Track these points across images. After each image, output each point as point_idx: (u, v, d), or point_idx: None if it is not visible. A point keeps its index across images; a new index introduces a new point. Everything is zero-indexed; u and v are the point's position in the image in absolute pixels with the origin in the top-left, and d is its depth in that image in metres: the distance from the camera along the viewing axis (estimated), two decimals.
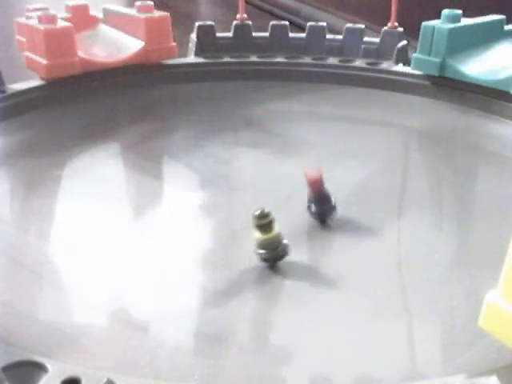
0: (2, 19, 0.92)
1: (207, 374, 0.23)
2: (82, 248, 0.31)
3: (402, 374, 0.23)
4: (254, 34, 0.60)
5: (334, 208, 0.33)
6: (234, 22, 0.59)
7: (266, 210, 0.28)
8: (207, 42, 0.59)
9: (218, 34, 0.60)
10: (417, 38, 0.52)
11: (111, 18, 0.57)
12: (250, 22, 0.59)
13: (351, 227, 0.34)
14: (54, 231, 0.34)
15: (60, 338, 0.25)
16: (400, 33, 0.57)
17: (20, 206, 0.36)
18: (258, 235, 0.29)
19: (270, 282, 0.29)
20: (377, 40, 0.57)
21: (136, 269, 0.30)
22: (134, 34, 0.54)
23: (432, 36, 0.50)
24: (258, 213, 0.28)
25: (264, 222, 0.28)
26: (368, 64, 0.56)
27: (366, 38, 0.58)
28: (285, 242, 0.29)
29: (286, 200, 0.38)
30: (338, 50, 0.59)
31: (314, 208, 0.33)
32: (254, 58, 0.59)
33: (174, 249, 0.32)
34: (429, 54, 0.51)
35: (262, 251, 0.29)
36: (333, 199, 0.33)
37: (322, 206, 0.33)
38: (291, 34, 0.60)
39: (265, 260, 0.29)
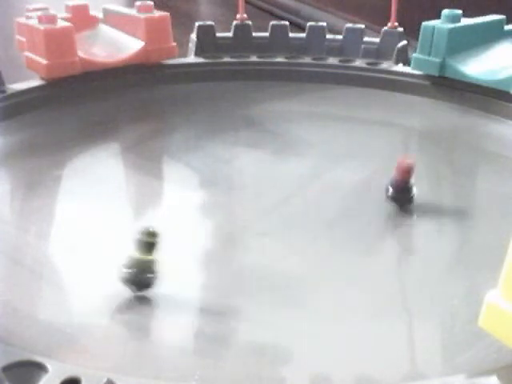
0: (2, 19, 0.92)
1: (207, 374, 0.23)
2: (82, 248, 0.31)
3: (401, 374, 0.23)
4: (254, 34, 0.60)
5: (411, 199, 0.34)
6: (234, 22, 0.59)
7: (153, 230, 0.26)
8: (207, 41, 0.59)
9: (218, 34, 0.60)
10: (417, 38, 0.52)
11: (111, 18, 0.57)
12: (250, 22, 0.59)
13: (351, 227, 0.34)
14: (54, 231, 0.34)
15: (60, 338, 0.25)
16: (400, 33, 0.57)
17: (20, 206, 0.36)
18: (132, 253, 0.26)
19: (270, 282, 0.29)
20: (377, 40, 0.57)
21: None
22: (134, 34, 0.54)
23: (432, 36, 0.50)
24: (145, 229, 0.26)
25: (149, 241, 0.26)
26: (368, 64, 0.56)
27: (366, 38, 0.58)
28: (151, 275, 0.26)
29: (286, 200, 0.38)
30: (338, 49, 0.59)
31: (391, 193, 0.34)
32: (254, 58, 0.59)
33: (173, 249, 0.32)
34: (429, 54, 0.51)
35: (128, 270, 0.26)
36: (414, 191, 0.34)
37: (403, 194, 0.34)
38: (291, 34, 0.60)
39: (127, 281, 0.26)
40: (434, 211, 0.36)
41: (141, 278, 0.26)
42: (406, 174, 0.33)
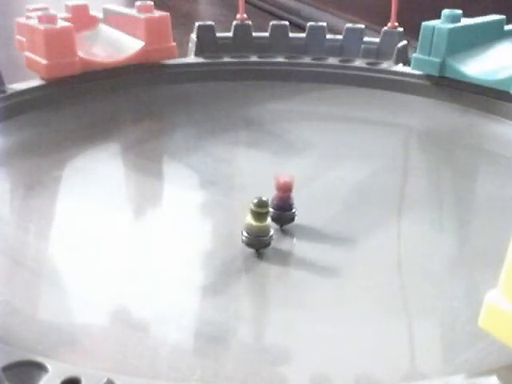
0: (2, 19, 0.92)
1: (207, 374, 0.23)
2: (82, 248, 0.31)
3: (401, 374, 0.23)
4: (254, 34, 0.60)
5: (292, 219, 0.32)
6: (234, 22, 0.59)
7: (264, 199, 0.29)
8: (207, 41, 0.59)
9: (218, 34, 0.60)
10: (417, 38, 0.52)
11: (111, 18, 0.57)
12: (250, 22, 0.59)
13: (351, 227, 0.34)
14: (54, 231, 0.34)
15: (60, 338, 0.25)
16: (400, 33, 0.57)
17: (20, 205, 0.36)
18: (250, 221, 0.29)
19: (270, 282, 0.29)
20: (377, 40, 0.57)
21: (136, 269, 0.30)
22: (134, 34, 0.54)
23: (432, 36, 0.50)
24: (256, 201, 0.29)
25: (261, 211, 0.29)
26: (368, 64, 0.56)
27: (366, 38, 0.58)
28: (271, 233, 0.30)
29: None
30: (338, 49, 0.59)
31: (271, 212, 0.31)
32: (254, 58, 0.59)
33: (173, 249, 0.32)
34: (429, 54, 0.51)
35: (248, 236, 0.30)
36: (294, 210, 0.32)
37: (282, 212, 0.32)
38: (291, 34, 0.60)
39: (249, 245, 0.30)
40: (434, 211, 0.36)
41: (262, 240, 0.30)
42: (286, 189, 0.31)
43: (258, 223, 0.29)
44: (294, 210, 0.32)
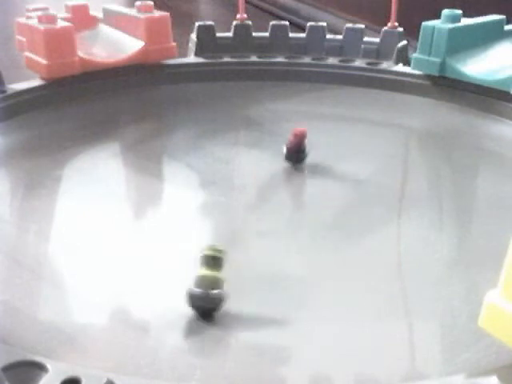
0: (2, 19, 0.92)
1: (207, 374, 0.23)
2: (82, 248, 0.31)
3: (402, 374, 0.23)
4: (254, 34, 0.60)
5: (304, 157, 0.40)
6: (234, 22, 0.59)
7: (220, 247, 0.26)
8: (207, 41, 0.59)
9: (218, 34, 0.60)
10: (417, 38, 0.52)
11: (111, 18, 0.57)
12: (250, 22, 0.59)
13: (351, 227, 0.34)
14: (54, 231, 0.34)
15: (60, 338, 0.25)
16: (400, 33, 0.57)
17: (20, 205, 0.36)
18: (202, 271, 0.26)
19: (270, 281, 0.29)
20: (377, 40, 0.57)
21: (136, 269, 0.30)
22: (134, 34, 0.54)
23: (432, 36, 0.50)
24: (210, 246, 0.26)
25: (216, 255, 0.26)
26: (368, 64, 0.56)
27: (366, 38, 0.58)
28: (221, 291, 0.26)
29: (286, 199, 0.38)
30: (338, 49, 0.59)
31: (288, 155, 0.39)
32: (254, 58, 0.59)
33: (174, 249, 0.32)
34: (429, 54, 0.51)
35: (197, 290, 0.25)
36: (306, 151, 0.39)
37: (298, 154, 0.39)
38: (291, 34, 0.60)
39: (197, 301, 0.26)
40: (434, 211, 0.36)
41: (212, 297, 0.25)
42: (300, 138, 0.39)
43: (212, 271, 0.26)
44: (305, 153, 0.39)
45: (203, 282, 0.25)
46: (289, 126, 0.47)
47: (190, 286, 0.26)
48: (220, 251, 0.26)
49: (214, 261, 0.26)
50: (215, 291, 0.25)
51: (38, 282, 0.29)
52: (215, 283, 0.26)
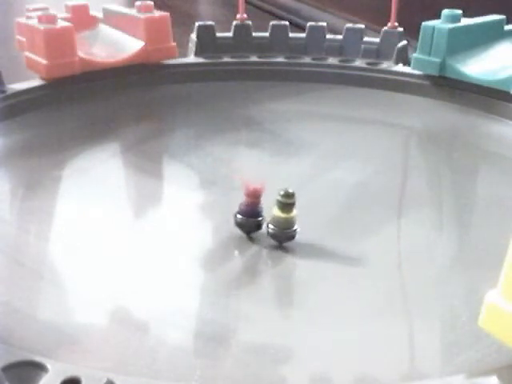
0: (2, 19, 0.92)
1: (207, 374, 0.23)
2: (82, 248, 0.31)
3: (402, 374, 0.23)
4: (254, 34, 0.60)
5: (259, 227, 0.31)
6: (234, 22, 0.59)
7: (291, 191, 0.29)
8: (207, 41, 0.59)
9: (218, 34, 0.60)
10: (417, 38, 0.52)
11: (111, 18, 0.57)
12: (249, 22, 0.59)
13: (351, 227, 0.34)
14: (54, 231, 0.34)
15: (60, 338, 0.25)
16: (400, 33, 0.57)
17: (20, 206, 0.36)
18: (276, 212, 0.30)
19: (270, 282, 0.29)
20: (377, 40, 0.57)
21: (136, 269, 0.30)
22: (134, 34, 0.54)
23: (432, 36, 0.50)
24: (283, 192, 0.29)
25: (287, 202, 0.29)
26: (368, 64, 0.56)
27: (366, 38, 0.58)
28: (296, 227, 0.30)
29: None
30: (337, 49, 0.59)
31: (239, 218, 0.31)
32: (254, 58, 0.59)
33: (174, 249, 0.32)
34: (429, 54, 0.51)
35: (274, 228, 0.30)
36: (262, 218, 0.31)
37: (252, 219, 0.31)
38: (291, 34, 0.60)
39: (273, 236, 0.30)
40: (434, 211, 0.36)
41: (286, 233, 0.30)
42: (255, 196, 0.30)
43: (285, 214, 0.29)
44: (260, 218, 0.31)
45: (277, 222, 0.30)
46: (289, 126, 0.48)
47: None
48: (290, 197, 0.29)
49: (285, 205, 0.29)
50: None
51: (38, 282, 0.29)
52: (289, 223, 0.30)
